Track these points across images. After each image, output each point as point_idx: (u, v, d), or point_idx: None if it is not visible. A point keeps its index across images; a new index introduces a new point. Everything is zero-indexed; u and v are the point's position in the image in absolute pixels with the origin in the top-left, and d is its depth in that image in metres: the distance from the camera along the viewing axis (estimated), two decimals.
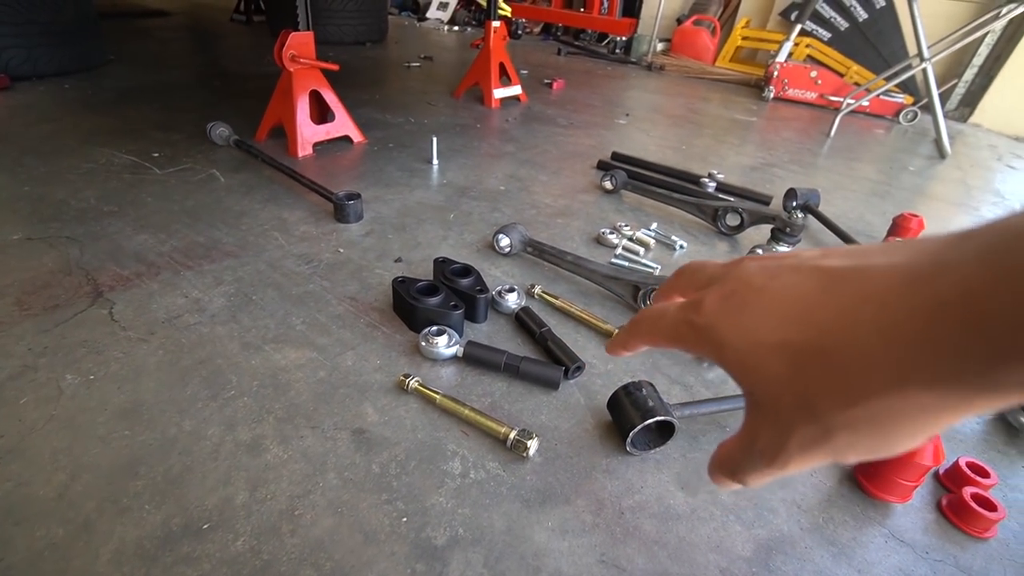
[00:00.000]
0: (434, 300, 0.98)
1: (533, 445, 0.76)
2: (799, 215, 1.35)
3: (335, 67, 1.78)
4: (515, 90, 2.70)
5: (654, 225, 1.49)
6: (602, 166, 1.92)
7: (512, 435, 0.77)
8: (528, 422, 0.83)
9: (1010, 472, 0.85)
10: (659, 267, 1.30)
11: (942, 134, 2.54)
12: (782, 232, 1.36)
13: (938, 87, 2.56)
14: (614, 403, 0.81)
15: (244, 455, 0.73)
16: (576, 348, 0.97)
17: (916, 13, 2.46)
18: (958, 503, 0.75)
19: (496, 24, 2.50)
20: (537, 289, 1.13)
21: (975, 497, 0.74)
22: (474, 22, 5.49)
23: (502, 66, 2.61)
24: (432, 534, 0.66)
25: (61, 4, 2.24)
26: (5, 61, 2.13)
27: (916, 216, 1.49)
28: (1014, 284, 0.16)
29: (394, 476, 0.73)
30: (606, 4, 4.86)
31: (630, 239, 1.40)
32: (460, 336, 0.96)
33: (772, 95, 3.45)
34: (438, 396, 0.84)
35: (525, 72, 3.47)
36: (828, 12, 3.65)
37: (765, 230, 1.45)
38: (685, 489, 0.76)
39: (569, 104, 2.85)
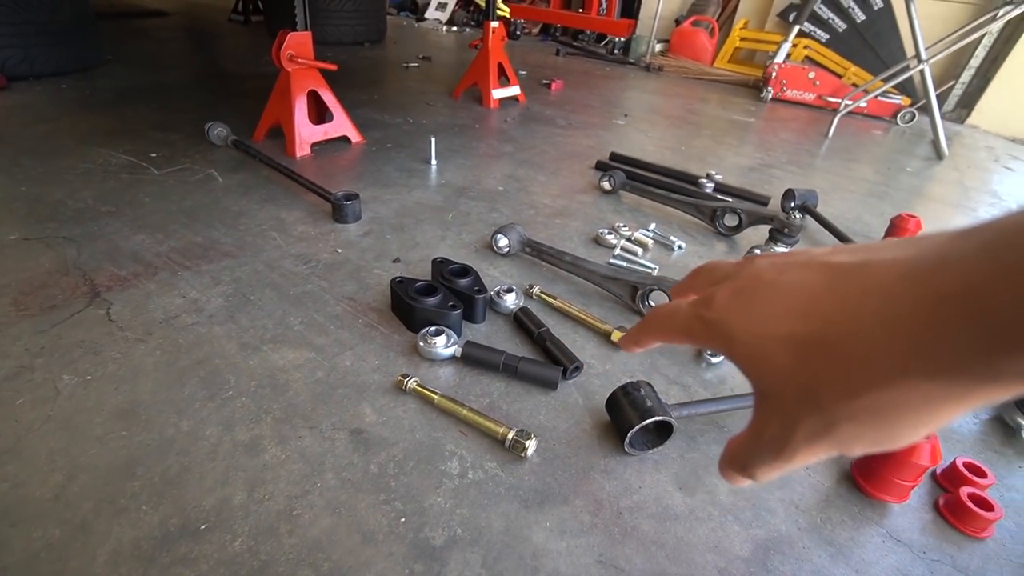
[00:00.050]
0: (432, 300, 0.98)
1: (531, 445, 0.76)
2: (797, 216, 1.35)
3: (333, 67, 1.78)
4: (513, 90, 2.70)
5: (652, 225, 1.49)
6: (600, 167, 1.92)
7: (510, 435, 0.77)
8: (526, 422, 0.83)
9: (1007, 472, 0.85)
10: (657, 267, 1.30)
11: (939, 135, 2.54)
12: (780, 233, 1.36)
13: (935, 88, 2.57)
14: (612, 403, 0.81)
15: (242, 455, 0.73)
16: (574, 348, 0.97)
17: (914, 15, 2.47)
18: (955, 503, 0.75)
19: (495, 24, 2.50)
20: (535, 289, 1.13)
21: (972, 497, 0.74)
22: (472, 22, 5.49)
23: (501, 66, 2.61)
24: (430, 534, 0.66)
25: (58, 4, 2.24)
26: (2, 61, 2.12)
27: (914, 217, 1.49)
28: (1014, 278, 0.16)
29: (392, 476, 0.73)
30: (604, 5, 4.87)
31: (628, 239, 1.41)
32: (458, 336, 0.96)
33: (770, 96, 3.46)
34: (436, 396, 0.83)
35: (524, 73, 3.48)
36: (826, 13, 3.66)
37: (763, 231, 1.45)
38: (683, 489, 0.76)
39: (567, 104, 2.85)
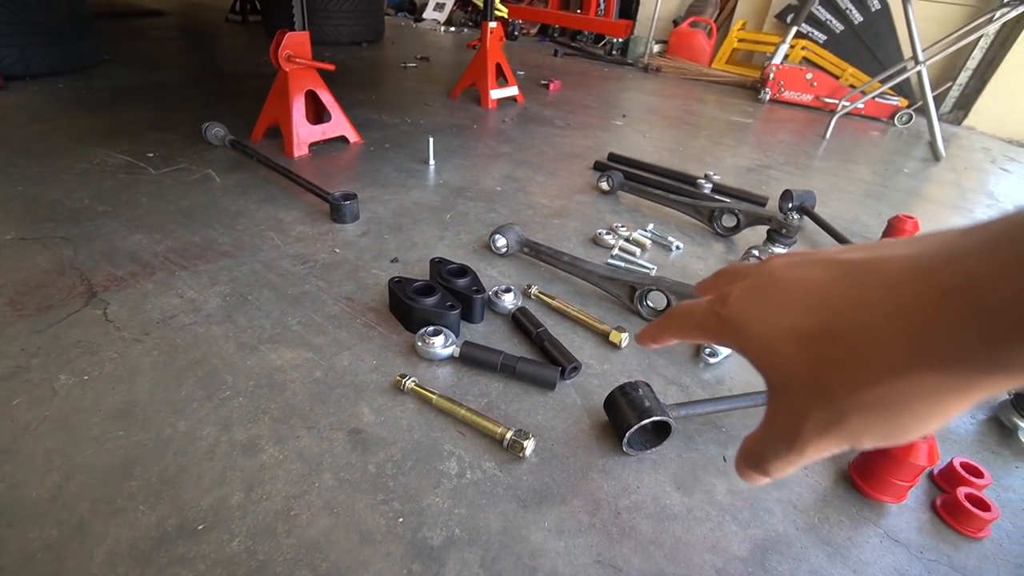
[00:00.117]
0: (430, 300, 0.98)
1: (529, 445, 0.76)
2: (795, 216, 1.36)
3: (331, 67, 1.77)
4: (512, 91, 2.70)
5: (650, 226, 1.49)
6: (599, 167, 1.92)
7: (508, 435, 0.77)
8: (524, 422, 0.83)
9: (1004, 472, 0.85)
10: (655, 268, 1.30)
11: (937, 137, 2.55)
12: (778, 233, 1.37)
13: (933, 90, 2.58)
14: (610, 403, 0.81)
15: (240, 455, 0.73)
16: (573, 348, 0.97)
17: (911, 16, 2.48)
18: (952, 503, 0.75)
19: (493, 25, 2.50)
20: (534, 289, 1.13)
21: (969, 497, 0.75)
22: (470, 23, 5.49)
23: (499, 67, 2.61)
24: (428, 534, 0.66)
25: (54, 4, 2.23)
26: None
27: (911, 218, 1.49)
28: (1017, 273, 0.17)
29: (390, 476, 0.73)
30: (602, 5, 4.87)
31: (626, 240, 1.41)
32: (456, 336, 0.96)
33: (768, 97, 3.47)
34: (434, 396, 0.83)
35: (522, 73, 3.48)
36: (824, 15, 3.67)
37: (761, 231, 1.45)
38: (681, 489, 0.76)
39: (566, 105, 2.85)
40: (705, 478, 0.78)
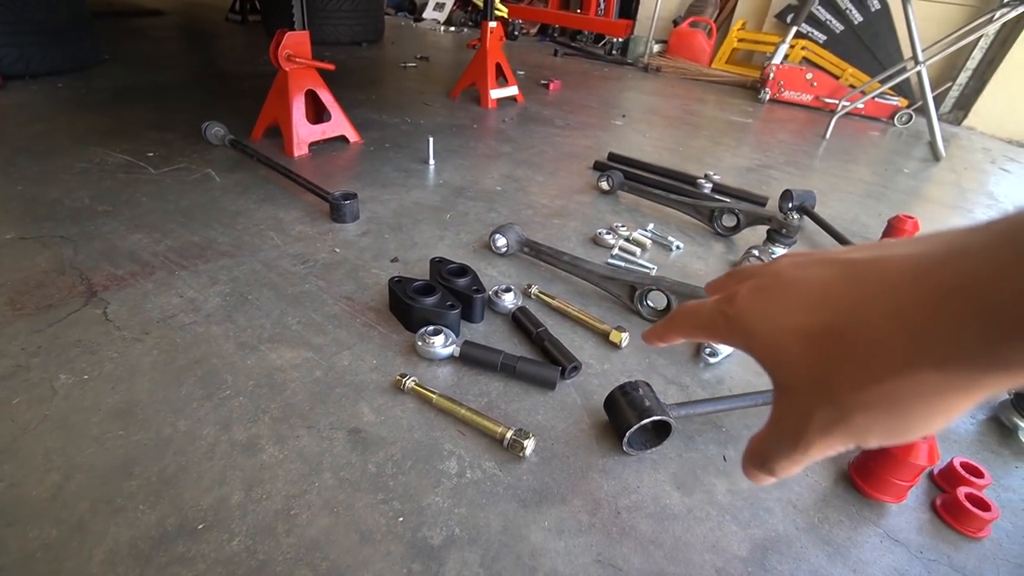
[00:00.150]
0: (430, 300, 0.98)
1: (529, 445, 0.76)
2: (795, 216, 1.36)
3: (331, 67, 1.77)
4: (511, 91, 2.70)
5: (650, 226, 1.49)
6: (599, 167, 1.92)
7: (508, 435, 0.77)
8: (524, 422, 0.83)
9: (1004, 472, 0.85)
10: (655, 267, 1.30)
11: (936, 137, 2.55)
12: (778, 233, 1.36)
13: (932, 90, 2.58)
14: (610, 403, 0.81)
15: (239, 455, 0.73)
16: (573, 348, 0.97)
17: (911, 16, 2.48)
18: (952, 503, 0.75)
19: (492, 25, 2.50)
20: (534, 289, 1.13)
21: (969, 497, 0.75)
22: (470, 23, 5.49)
23: (499, 67, 2.61)
24: (428, 534, 0.66)
25: (54, 3, 2.23)
26: None
27: (911, 218, 1.49)
28: (1019, 272, 0.17)
29: (390, 476, 0.73)
30: (602, 5, 4.87)
31: (626, 240, 1.41)
32: (456, 336, 0.96)
33: (768, 97, 3.47)
34: (434, 396, 0.83)
35: (522, 73, 3.48)
36: (823, 15, 3.67)
37: (761, 231, 1.45)
38: (681, 489, 0.76)
39: (566, 105, 2.85)
40: (705, 478, 0.78)
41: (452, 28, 5.30)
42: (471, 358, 0.92)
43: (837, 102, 3.13)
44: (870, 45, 3.59)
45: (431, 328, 0.94)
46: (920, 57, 2.49)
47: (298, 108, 1.77)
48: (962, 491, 0.75)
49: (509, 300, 1.06)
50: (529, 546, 0.66)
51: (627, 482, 0.76)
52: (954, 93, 3.51)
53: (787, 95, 3.45)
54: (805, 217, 1.60)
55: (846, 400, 0.22)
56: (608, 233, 1.40)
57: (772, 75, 3.43)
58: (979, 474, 0.79)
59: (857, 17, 3.59)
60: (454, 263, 1.09)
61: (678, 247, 1.41)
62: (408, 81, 3.01)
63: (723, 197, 1.75)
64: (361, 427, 0.79)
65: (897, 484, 0.74)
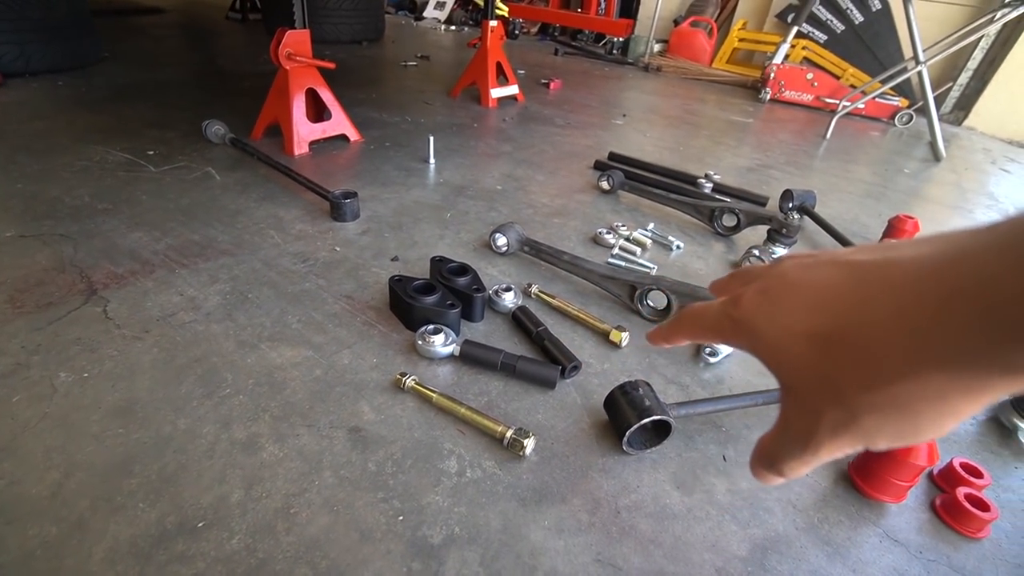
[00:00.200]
0: (431, 299, 0.98)
1: (529, 444, 0.76)
2: (795, 216, 1.36)
3: (331, 65, 1.77)
4: (512, 90, 2.70)
5: (651, 225, 1.49)
6: (599, 166, 1.92)
7: (508, 434, 0.77)
8: (524, 421, 0.83)
9: (1003, 473, 0.85)
10: (656, 267, 1.30)
11: (937, 137, 2.55)
12: (778, 233, 1.36)
13: (933, 90, 2.58)
14: (610, 402, 0.81)
15: (239, 453, 0.73)
16: (573, 347, 0.97)
17: (912, 17, 2.48)
18: (952, 503, 0.75)
19: (493, 24, 2.50)
20: (534, 288, 1.13)
21: (969, 497, 0.75)
22: (471, 22, 5.49)
23: (499, 66, 2.61)
24: (428, 532, 0.66)
25: (54, 1, 2.23)
26: None
27: (911, 218, 1.49)
28: (1022, 275, 0.17)
29: (390, 474, 0.73)
30: (603, 4, 4.87)
31: (627, 239, 1.41)
32: (457, 335, 0.96)
33: (768, 97, 3.46)
34: (434, 395, 0.83)
35: (522, 72, 3.47)
36: (824, 15, 3.67)
37: (761, 231, 1.45)
38: (681, 489, 0.76)
39: (566, 104, 2.85)
40: (705, 477, 0.78)
41: (453, 27, 5.29)
42: (471, 357, 0.92)
43: (838, 102, 3.13)
44: (871, 45, 3.59)
45: (431, 327, 0.94)
46: (921, 57, 2.49)
47: (298, 107, 1.77)
48: (961, 491, 0.76)
49: (509, 299, 1.06)
50: (529, 545, 0.66)
51: (627, 481, 0.76)
52: (955, 93, 3.51)
53: (788, 95, 3.45)
54: (805, 217, 1.60)
55: (854, 402, 0.22)
56: (608, 232, 1.39)
57: (773, 75, 3.42)
58: (978, 474, 0.79)
59: (858, 17, 3.59)
60: (454, 262, 1.09)
61: (678, 247, 1.41)
62: (408, 80, 3.01)
63: (723, 197, 1.75)
64: (361, 426, 0.79)
65: (897, 484, 0.74)
